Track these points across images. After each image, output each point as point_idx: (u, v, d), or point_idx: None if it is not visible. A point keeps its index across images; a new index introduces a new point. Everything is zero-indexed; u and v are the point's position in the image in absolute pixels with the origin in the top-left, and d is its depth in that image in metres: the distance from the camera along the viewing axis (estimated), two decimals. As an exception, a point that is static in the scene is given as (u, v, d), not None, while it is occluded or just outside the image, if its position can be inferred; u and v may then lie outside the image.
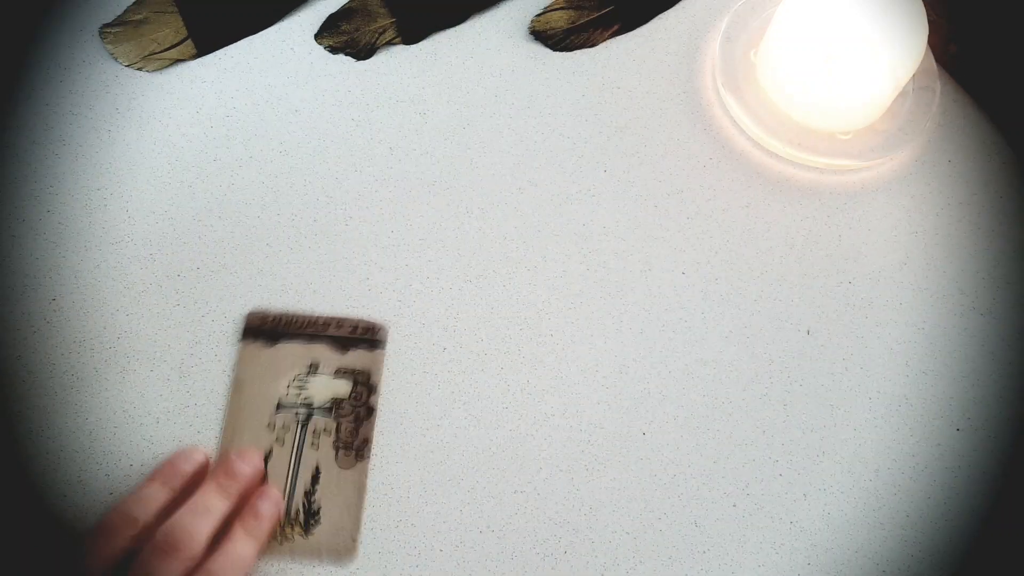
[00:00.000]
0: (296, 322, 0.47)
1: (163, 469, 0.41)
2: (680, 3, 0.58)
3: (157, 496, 0.39)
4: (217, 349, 0.47)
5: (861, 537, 0.46)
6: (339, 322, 0.47)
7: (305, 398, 0.46)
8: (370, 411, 0.46)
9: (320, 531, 0.43)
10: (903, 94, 0.55)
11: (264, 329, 0.47)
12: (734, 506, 0.46)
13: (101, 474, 0.44)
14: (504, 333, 0.48)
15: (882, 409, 0.48)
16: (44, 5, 0.53)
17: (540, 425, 0.47)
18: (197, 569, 0.38)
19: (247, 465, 0.42)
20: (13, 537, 0.42)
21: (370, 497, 0.44)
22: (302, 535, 0.43)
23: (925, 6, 0.50)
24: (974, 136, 0.56)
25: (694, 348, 0.49)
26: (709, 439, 0.47)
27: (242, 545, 0.39)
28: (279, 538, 0.42)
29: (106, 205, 0.49)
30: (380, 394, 0.46)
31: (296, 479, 0.44)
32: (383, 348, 0.47)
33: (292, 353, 0.46)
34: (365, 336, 0.47)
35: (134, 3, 0.54)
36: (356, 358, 0.47)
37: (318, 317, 0.47)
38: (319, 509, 0.43)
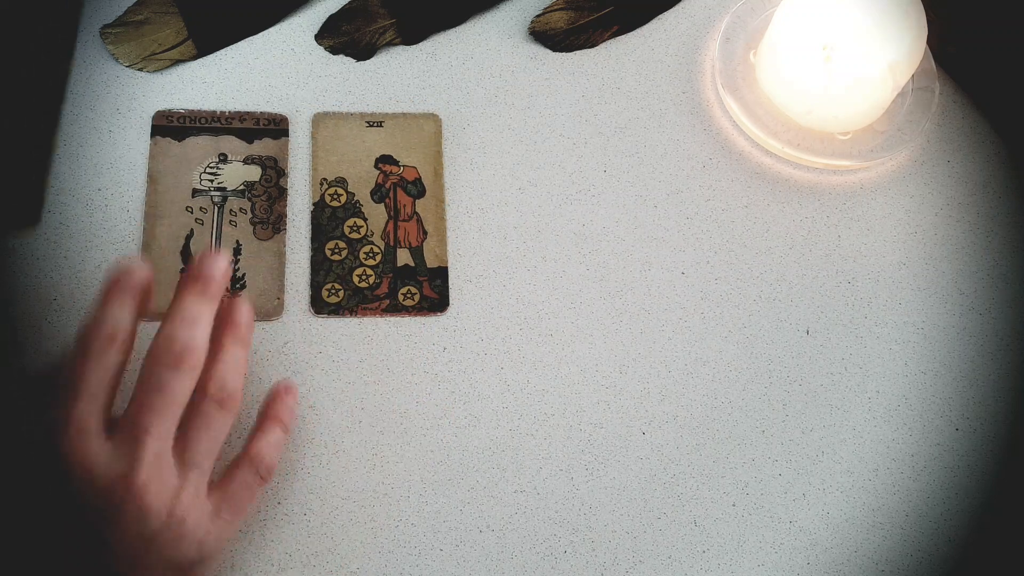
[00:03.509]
0: (202, 117, 0.50)
1: (112, 288, 0.38)
2: (680, 3, 0.58)
3: (123, 314, 0.37)
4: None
5: (860, 536, 0.46)
6: (243, 116, 0.51)
7: (219, 183, 0.49)
8: (282, 191, 0.50)
9: (246, 294, 0.47)
10: (902, 95, 0.55)
11: (172, 126, 0.50)
12: (733, 506, 0.46)
13: (102, 474, 0.44)
14: (503, 332, 0.48)
15: (881, 409, 0.49)
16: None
17: (540, 425, 0.47)
18: (204, 379, 0.38)
19: (219, 264, 0.40)
20: (14, 537, 0.42)
21: (371, 496, 0.45)
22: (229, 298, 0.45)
23: (924, 7, 0.50)
24: (973, 137, 0.56)
25: (694, 348, 0.49)
26: (708, 439, 0.47)
27: (236, 351, 0.40)
28: None
29: (106, 205, 0.49)
30: (288, 176, 0.50)
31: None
32: (287, 136, 0.51)
33: (201, 146, 0.50)
34: (269, 127, 0.51)
35: (135, 3, 0.54)
36: (263, 147, 0.50)
37: (223, 112, 0.51)
38: (243, 275, 0.47)
